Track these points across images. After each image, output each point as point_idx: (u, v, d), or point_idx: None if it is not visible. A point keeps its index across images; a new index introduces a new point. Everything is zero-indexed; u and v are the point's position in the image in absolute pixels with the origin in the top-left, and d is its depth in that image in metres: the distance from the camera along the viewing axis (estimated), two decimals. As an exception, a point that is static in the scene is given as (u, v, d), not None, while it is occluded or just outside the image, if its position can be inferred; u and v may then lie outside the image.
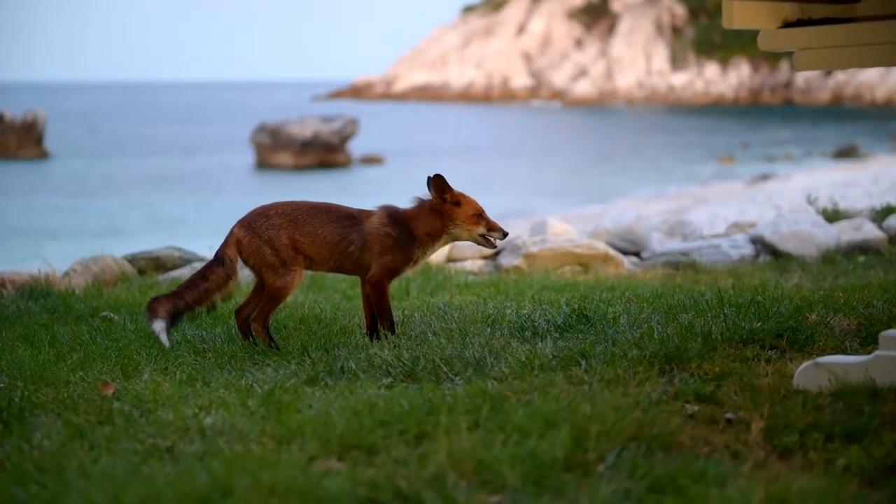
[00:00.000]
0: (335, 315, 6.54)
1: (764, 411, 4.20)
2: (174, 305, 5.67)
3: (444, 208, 5.66)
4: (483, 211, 5.68)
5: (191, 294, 5.67)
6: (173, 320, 5.70)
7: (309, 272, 5.89)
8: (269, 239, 5.62)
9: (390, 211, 5.71)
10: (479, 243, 5.69)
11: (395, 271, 5.69)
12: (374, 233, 5.63)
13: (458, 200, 5.66)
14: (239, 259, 5.68)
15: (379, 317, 5.72)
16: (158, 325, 5.64)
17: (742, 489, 3.54)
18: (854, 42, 4.65)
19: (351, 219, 5.67)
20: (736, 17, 4.82)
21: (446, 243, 5.77)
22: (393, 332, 5.70)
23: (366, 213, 5.72)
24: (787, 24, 4.84)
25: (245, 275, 5.81)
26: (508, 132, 67.21)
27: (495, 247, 5.76)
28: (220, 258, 5.69)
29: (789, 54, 5.08)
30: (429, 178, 5.63)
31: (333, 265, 5.72)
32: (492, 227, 5.66)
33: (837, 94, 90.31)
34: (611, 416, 4.03)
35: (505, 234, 5.67)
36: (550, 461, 3.74)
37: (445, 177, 5.60)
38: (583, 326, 5.68)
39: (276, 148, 42.57)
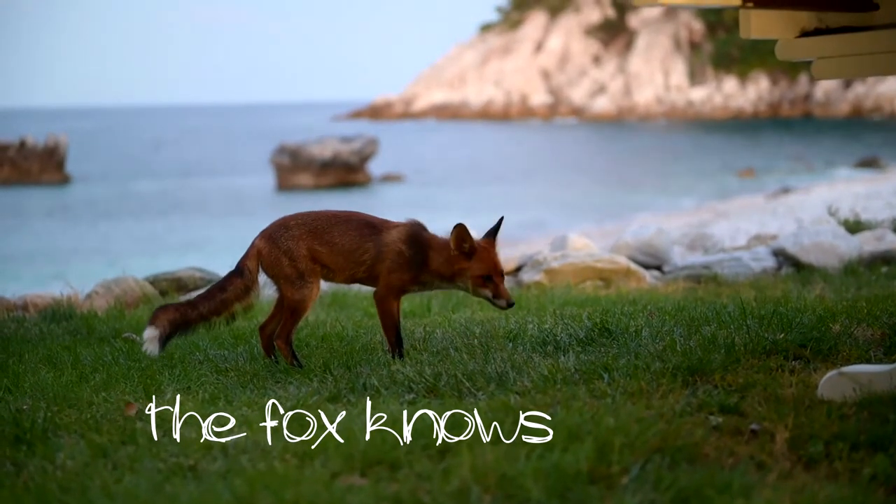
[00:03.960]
0: (357, 333, 6.54)
1: (788, 421, 4.17)
2: (183, 315, 5.61)
3: (458, 262, 5.45)
4: (494, 272, 5.42)
5: (206, 304, 5.64)
6: (180, 329, 5.63)
7: (331, 287, 5.87)
8: (287, 250, 5.59)
9: (414, 229, 5.57)
10: (488, 300, 5.52)
11: (400, 290, 5.58)
12: (389, 247, 5.54)
13: (473, 256, 5.43)
14: (261, 271, 5.66)
15: (383, 331, 5.66)
16: (149, 332, 5.54)
17: (767, 500, 3.53)
18: (872, 50, 4.64)
19: (371, 227, 5.59)
20: (753, 27, 4.81)
21: (461, 289, 5.57)
22: (395, 351, 5.59)
23: (388, 224, 5.61)
24: (805, 34, 4.83)
25: (265, 293, 5.80)
26: (528, 149, 67.19)
27: (503, 308, 5.51)
28: (239, 269, 5.68)
29: (808, 67, 5.06)
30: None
31: (350, 274, 5.64)
32: (497, 295, 5.45)
33: (857, 107, 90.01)
34: (634, 429, 4.01)
35: (510, 305, 5.45)
36: (574, 474, 3.72)
37: (468, 227, 5.38)
38: (605, 340, 5.66)
39: (296, 169, 42.73)
